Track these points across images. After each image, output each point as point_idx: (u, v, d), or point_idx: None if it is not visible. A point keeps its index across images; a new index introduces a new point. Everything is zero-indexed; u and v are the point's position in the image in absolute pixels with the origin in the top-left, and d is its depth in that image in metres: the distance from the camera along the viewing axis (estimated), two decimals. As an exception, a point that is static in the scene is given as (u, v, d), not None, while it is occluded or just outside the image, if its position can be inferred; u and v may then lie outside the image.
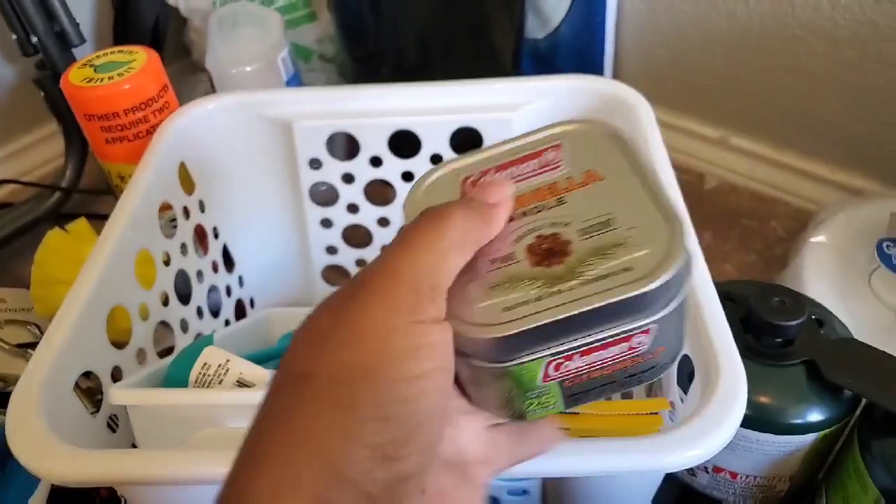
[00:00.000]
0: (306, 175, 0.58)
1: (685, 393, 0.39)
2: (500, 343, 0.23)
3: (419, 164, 0.56)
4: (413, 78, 0.54)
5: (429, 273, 0.22)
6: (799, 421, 0.41)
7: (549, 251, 0.24)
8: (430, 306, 0.22)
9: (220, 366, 0.41)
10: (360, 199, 0.60)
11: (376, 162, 0.57)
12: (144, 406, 0.38)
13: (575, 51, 0.83)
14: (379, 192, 0.60)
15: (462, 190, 0.28)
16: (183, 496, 0.34)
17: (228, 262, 0.60)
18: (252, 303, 0.65)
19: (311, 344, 0.22)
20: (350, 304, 0.22)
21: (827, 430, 0.42)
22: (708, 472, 0.45)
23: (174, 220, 0.52)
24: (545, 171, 0.28)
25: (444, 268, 0.23)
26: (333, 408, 0.20)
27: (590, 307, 0.22)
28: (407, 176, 0.58)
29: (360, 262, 0.63)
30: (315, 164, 0.57)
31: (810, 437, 0.42)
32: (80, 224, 0.64)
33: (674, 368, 0.39)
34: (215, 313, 0.57)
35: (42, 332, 0.60)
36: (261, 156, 0.57)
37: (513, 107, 0.53)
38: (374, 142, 0.56)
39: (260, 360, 0.43)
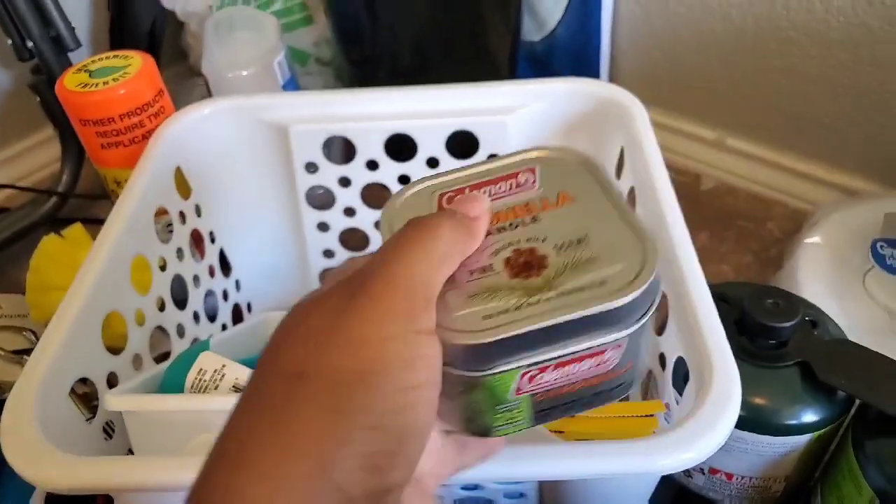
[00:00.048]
0: (303, 179, 0.58)
1: (680, 395, 0.39)
2: (479, 350, 0.23)
3: (416, 167, 0.56)
4: (409, 81, 0.54)
5: (423, 282, 0.22)
6: (793, 422, 0.41)
7: (526, 264, 0.25)
8: (423, 315, 0.22)
9: (215, 371, 0.41)
10: (357, 203, 0.60)
11: (373, 165, 0.57)
12: (140, 412, 0.38)
13: (571, 53, 0.83)
14: (375, 196, 0.60)
15: (438, 205, 0.28)
16: (179, 503, 0.34)
17: (225, 266, 0.60)
18: (249, 307, 0.65)
19: (305, 344, 0.22)
20: (348, 307, 0.21)
21: (821, 431, 0.42)
22: (704, 474, 0.46)
23: (170, 224, 0.52)
24: (519, 192, 0.28)
25: (436, 278, 0.23)
26: (328, 412, 0.20)
27: (569, 317, 0.23)
28: (403, 179, 0.57)
29: (357, 266, 0.63)
30: (311, 167, 0.57)
31: (805, 438, 0.42)
32: (76, 229, 0.63)
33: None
34: (212, 318, 0.57)
35: (38, 338, 0.60)
36: (257, 160, 0.57)
37: (509, 110, 0.53)
38: (371, 145, 0.56)
39: (256, 364, 0.43)
